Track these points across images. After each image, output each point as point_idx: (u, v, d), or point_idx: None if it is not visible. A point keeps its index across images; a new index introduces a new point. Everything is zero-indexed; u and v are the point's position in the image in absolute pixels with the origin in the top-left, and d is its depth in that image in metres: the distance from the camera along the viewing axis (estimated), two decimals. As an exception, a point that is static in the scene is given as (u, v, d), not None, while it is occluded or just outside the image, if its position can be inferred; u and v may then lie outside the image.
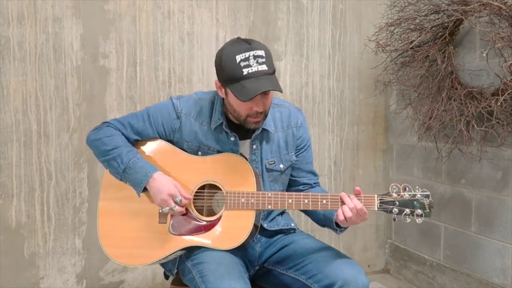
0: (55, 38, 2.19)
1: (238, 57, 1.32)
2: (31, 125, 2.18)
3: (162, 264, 1.57)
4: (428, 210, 1.34)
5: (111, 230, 1.48)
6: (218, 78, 1.42)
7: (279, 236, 1.57)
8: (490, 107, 1.94)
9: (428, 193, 1.36)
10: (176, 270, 1.51)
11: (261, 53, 1.34)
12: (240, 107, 1.40)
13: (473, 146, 2.14)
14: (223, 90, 1.43)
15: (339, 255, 1.44)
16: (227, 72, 1.34)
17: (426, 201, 1.34)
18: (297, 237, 1.54)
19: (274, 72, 1.37)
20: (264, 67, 1.33)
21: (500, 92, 1.88)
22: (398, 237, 2.84)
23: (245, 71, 1.31)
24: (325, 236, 2.73)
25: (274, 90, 1.34)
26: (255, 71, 1.31)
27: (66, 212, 2.26)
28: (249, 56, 1.32)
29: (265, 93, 1.37)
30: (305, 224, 2.64)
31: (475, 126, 2.03)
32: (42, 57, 2.18)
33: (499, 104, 1.87)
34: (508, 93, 1.83)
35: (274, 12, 2.59)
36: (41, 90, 2.19)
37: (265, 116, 1.45)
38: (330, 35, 2.72)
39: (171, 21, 2.38)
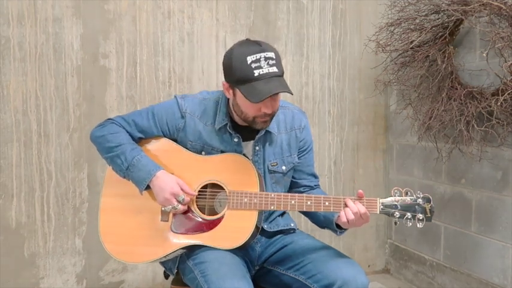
0: (55, 38, 2.19)
1: (250, 59, 1.31)
2: (31, 125, 2.18)
3: (163, 263, 1.57)
4: (429, 215, 1.36)
5: (112, 227, 1.47)
6: (226, 79, 1.41)
7: (279, 236, 1.57)
8: (490, 107, 1.93)
9: (429, 197, 1.37)
10: (176, 270, 1.51)
11: (272, 54, 1.33)
12: (248, 109, 1.39)
13: (473, 146, 2.14)
14: (231, 91, 1.42)
15: (338, 255, 1.44)
16: (237, 73, 1.33)
17: (427, 206, 1.36)
18: (297, 237, 1.54)
19: (283, 74, 1.37)
20: (275, 69, 1.32)
21: (500, 92, 1.88)
22: (398, 237, 2.84)
23: (256, 73, 1.30)
24: (325, 236, 2.72)
25: (286, 92, 1.33)
26: (266, 73, 1.31)
27: (66, 212, 2.26)
28: (260, 57, 1.31)
29: (274, 95, 1.36)
30: (305, 224, 2.63)
31: (475, 126, 2.03)
32: (42, 57, 2.18)
33: (499, 104, 1.86)
34: (508, 93, 1.83)
35: (274, 12, 2.59)
36: (41, 90, 2.19)
37: (272, 117, 1.44)
38: (330, 35, 2.72)
39: (171, 21, 2.38)
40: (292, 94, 1.35)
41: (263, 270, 1.53)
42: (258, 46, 1.34)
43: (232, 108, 1.48)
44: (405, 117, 2.50)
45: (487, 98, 1.98)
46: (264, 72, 1.30)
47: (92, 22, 2.25)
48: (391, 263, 2.90)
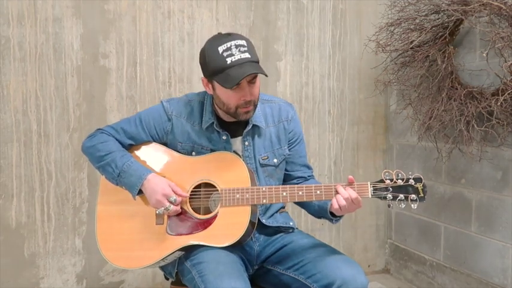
0: (55, 38, 2.19)
1: (221, 48, 1.34)
2: (31, 125, 2.18)
3: (162, 268, 1.57)
4: (422, 195, 1.35)
5: (109, 234, 1.48)
6: (204, 74, 1.44)
7: (278, 235, 1.57)
8: (490, 107, 1.93)
9: (420, 177, 1.36)
10: (176, 271, 1.51)
11: (242, 42, 1.36)
12: (229, 99, 1.41)
13: (473, 146, 2.14)
14: (210, 85, 1.45)
15: (338, 254, 1.43)
16: (211, 65, 1.37)
17: (420, 186, 1.35)
18: (296, 237, 1.54)
19: (258, 61, 1.39)
20: (247, 55, 1.35)
21: (500, 92, 1.88)
22: (398, 237, 2.84)
23: (228, 60, 1.33)
24: (325, 236, 2.73)
25: (259, 73, 1.35)
26: (238, 59, 1.33)
27: (66, 212, 2.26)
28: (231, 45, 1.34)
29: (251, 82, 1.39)
30: (305, 223, 2.64)
31: (475, 126, 2.03)
32: (42, 57, 2.18)
33: (499, 104, 1.86)
34: (508, 93, 1.83)
35: (274, 12, 2.59)
36: (41, 90, 2.19)
37: (255, 106, 1.45)
38: (330, 35, 2.72)
39: (171, 21, 2.38)
40: (266, 76, 1.37)
41: (262, 270, 1.53)
42: (228, 36, 1.37)
43: (215, 103, 1.50)
44: (405, 117, 2.50)
45: (487, 98, 1.98)
46: (236, 58, 1.33)
47: (92, 22, 2.25)
48: (391, 263, 2.90)
